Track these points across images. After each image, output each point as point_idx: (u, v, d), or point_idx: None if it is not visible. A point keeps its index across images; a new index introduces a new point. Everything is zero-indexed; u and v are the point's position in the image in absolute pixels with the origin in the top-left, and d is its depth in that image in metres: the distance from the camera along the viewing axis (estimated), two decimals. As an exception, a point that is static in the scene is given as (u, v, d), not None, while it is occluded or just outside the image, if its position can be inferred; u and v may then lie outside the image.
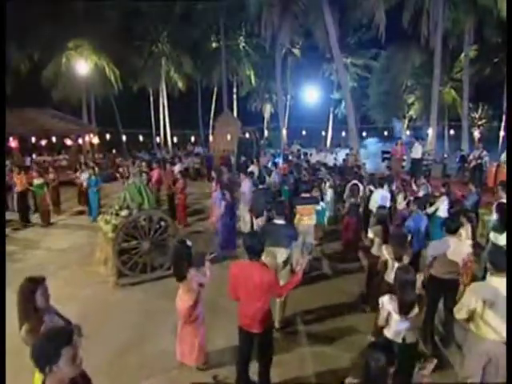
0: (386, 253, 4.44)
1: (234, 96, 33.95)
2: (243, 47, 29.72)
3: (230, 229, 7.70)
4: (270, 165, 13.14)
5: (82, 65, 20.34)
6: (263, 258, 3.90)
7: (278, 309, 4.86)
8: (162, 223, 6.81)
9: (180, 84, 28.22)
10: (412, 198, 6.84)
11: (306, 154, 16.07)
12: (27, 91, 21.17)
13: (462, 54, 21.41)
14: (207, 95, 33.21)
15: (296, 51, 30.67)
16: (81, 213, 11.79)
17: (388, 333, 3.30)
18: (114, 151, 23.84)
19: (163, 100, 29.08)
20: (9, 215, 10.76)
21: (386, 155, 15.78)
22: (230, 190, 7.92)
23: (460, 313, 3.23)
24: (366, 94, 31.48)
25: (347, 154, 15.56)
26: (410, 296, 3.18)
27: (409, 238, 4.88)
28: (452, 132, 23.62)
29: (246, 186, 8.45)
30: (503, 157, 11.90)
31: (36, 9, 18.56)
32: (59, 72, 21.45)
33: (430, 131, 18.00)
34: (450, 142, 23.13)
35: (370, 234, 5.41)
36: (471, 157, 13.71)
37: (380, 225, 5.43)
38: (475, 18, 18.29)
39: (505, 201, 5.84)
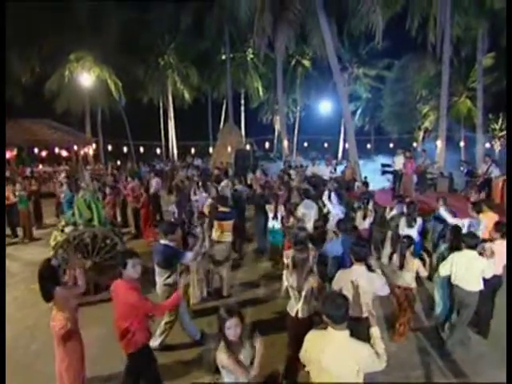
0: (285, 279, 3.73)
1: (243, 108, 33.73)
2: (251, 59, 29.46)
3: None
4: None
5: (85, 76, 20.49)
6: None
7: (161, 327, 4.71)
8: (108, 241, 6.33)
9: (187, 96, 28.13)
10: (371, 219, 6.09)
11: (301, 166, 15.36)
12: (30, 103, 21.45)
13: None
14: (217, 107, 33.16)
15: (306, 62, 30.20)
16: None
17: None
18: (118, 162, 23.86)
19: (169, 112, 29.09)
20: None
21: (386, 168, 14.68)
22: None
23: None
24: (380, 104, 30.69)
25: (345, 167, 14.75)
26: None
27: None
28: (462, 144, 22.31)
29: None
30: None
31: (38, 20, 18.74)
32: (62, 84, 21.56)
33: (439, 143, 16.92)
34: (465, 154, 21.86)
35: (285, 259, 4.53)
36: (480, 171, 12.61)
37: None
38: (487, 23, 17.28)
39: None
